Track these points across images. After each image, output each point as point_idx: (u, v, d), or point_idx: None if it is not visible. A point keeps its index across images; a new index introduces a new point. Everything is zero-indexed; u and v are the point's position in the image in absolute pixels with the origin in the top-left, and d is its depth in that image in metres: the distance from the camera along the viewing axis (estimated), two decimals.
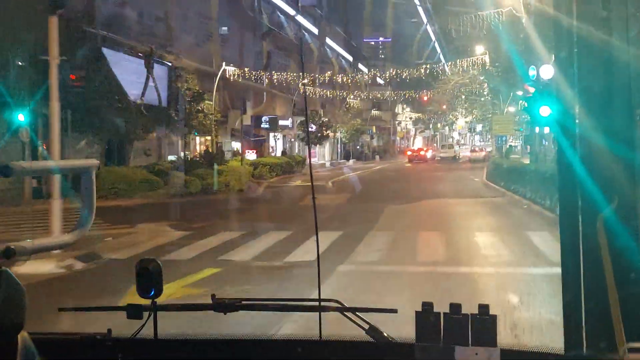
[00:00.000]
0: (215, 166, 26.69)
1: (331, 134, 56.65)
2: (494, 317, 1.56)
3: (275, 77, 42.29)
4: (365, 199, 23.91)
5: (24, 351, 1.49)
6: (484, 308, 1.57)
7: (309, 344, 2.00)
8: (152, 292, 1.93)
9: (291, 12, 53.06)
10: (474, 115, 56.50)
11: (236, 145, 40.83)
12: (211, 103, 32.62)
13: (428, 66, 44.11)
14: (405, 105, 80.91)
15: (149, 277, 1.92)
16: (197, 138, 36.44)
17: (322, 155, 58.89)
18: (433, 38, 77.58)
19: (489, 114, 47.36)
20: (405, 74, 43.84)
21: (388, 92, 58.68)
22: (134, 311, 1.99)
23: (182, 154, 31.31)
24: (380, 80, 64.40)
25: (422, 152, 60.70)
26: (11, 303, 1.44)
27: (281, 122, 48.63)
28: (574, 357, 1.48)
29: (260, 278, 9.70)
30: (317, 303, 2.02)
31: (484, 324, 1.56)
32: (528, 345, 1.80)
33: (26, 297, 1.53)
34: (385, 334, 1.89)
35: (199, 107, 31.11)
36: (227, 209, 21.59)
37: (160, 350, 2.01)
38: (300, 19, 55.13)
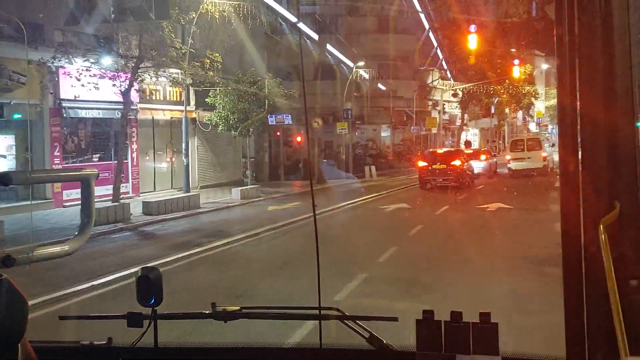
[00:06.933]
0: None
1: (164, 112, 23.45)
2: (495, 325, 1.55)
3: None
4: None
5: None
6: (485, 316, 1.57)
7: (309, 352, 2.00)
8: (153, 301, 1.93)
9: None
10: None
11: None
12: None
13: None
14: (440, 71, 43.84)
15: (149, 285, 1.93)
16: None
17: (176, 173, 24.55)
18: None
19: None
20: None
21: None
22: (134, 319, 2.00)
23: None
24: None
25: (455, 162, 25.63)
26: (12, 311, 1.44)
27: None
28: None
29: None
30: (317, 311, 2.02)
31: (485, 332, 1.55)
32: (530, 354, 1.77)
33: (27, 305, 1.53)
34: (385, 342, 1.87)
35: None
36: None
37: (161, 359, 2.01)
38: None
